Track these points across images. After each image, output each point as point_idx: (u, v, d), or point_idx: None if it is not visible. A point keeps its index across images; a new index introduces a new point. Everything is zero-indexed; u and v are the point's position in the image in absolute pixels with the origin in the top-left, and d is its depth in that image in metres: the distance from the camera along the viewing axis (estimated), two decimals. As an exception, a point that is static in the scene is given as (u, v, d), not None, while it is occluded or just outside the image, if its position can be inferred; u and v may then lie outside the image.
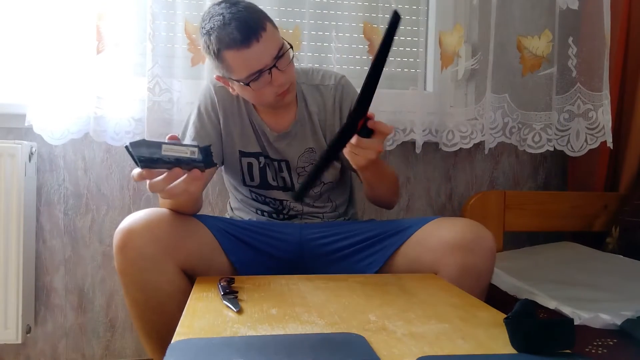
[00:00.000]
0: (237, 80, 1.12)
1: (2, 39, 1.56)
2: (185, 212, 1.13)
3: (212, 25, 1.08)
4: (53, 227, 1.61)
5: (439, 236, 1.08)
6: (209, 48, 1.10)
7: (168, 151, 0.82)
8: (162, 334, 0.75)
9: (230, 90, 1.20)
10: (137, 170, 0.83)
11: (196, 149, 0.83)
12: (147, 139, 0.88)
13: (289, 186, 1.28)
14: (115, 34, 1.50)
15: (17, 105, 1.51)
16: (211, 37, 1.08)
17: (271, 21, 1.13)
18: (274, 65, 1.09)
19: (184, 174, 0.83)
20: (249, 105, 1.25)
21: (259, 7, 1.13)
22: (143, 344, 1.14)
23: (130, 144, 0.78)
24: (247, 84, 1.11)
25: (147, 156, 0.80)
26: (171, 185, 0.83)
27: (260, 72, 1.09)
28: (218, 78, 1.19)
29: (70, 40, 1.47)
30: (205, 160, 0.84)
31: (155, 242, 1.01)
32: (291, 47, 1.14)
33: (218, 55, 1.10)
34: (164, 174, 0.82)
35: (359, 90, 1.32)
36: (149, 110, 1.50)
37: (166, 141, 0.82)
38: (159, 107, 1.51)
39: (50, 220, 1.60)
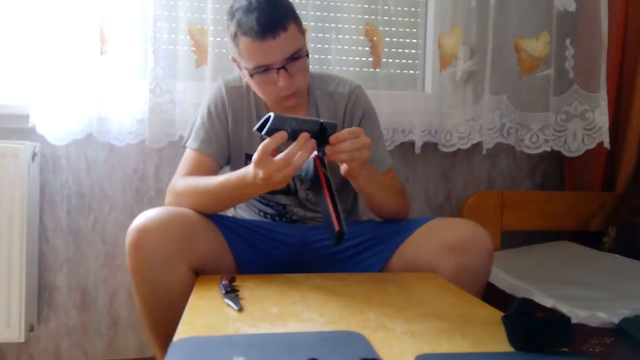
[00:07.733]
0: (245, 68, 1.14)
1: (6, 40, 1.57)
2: (216, 211, 1.13)
3: (238, 8, 1.10)
4: (56, 226, 1.62)
5: (436, 237, 1.08)
6: (228, 28, 1.13)
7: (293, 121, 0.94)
8: (170, 333, 0.76)
9: (242, 75, 1.22)
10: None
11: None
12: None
13: (292, 191, 1.28)
14: (118, 35, 1.51)
15: (20, 106, 1.52)
16: (233, 19, 1.11)
17: (298, 23, 1.14)
18: (283, 67, 1.10)
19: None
20: (259, 107, 1.26)
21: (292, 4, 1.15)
22: (150, 342, 1.14)
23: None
24: (252, 75, 1.13)
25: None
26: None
27: (267, 68, 1.11)
28: (233, 60, 1.20)
29: (73, 42, 1.49)
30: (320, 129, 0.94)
31: (169, 242, 1.00)
32: (308, 55, 1.14)
33: (234, 38, 1.12)
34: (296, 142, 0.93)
35: (372, 101, 1.31)
36: (151, 111, 1.51)
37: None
38: (159, 108, 1.52)
39: (54, 219, 1.62)
